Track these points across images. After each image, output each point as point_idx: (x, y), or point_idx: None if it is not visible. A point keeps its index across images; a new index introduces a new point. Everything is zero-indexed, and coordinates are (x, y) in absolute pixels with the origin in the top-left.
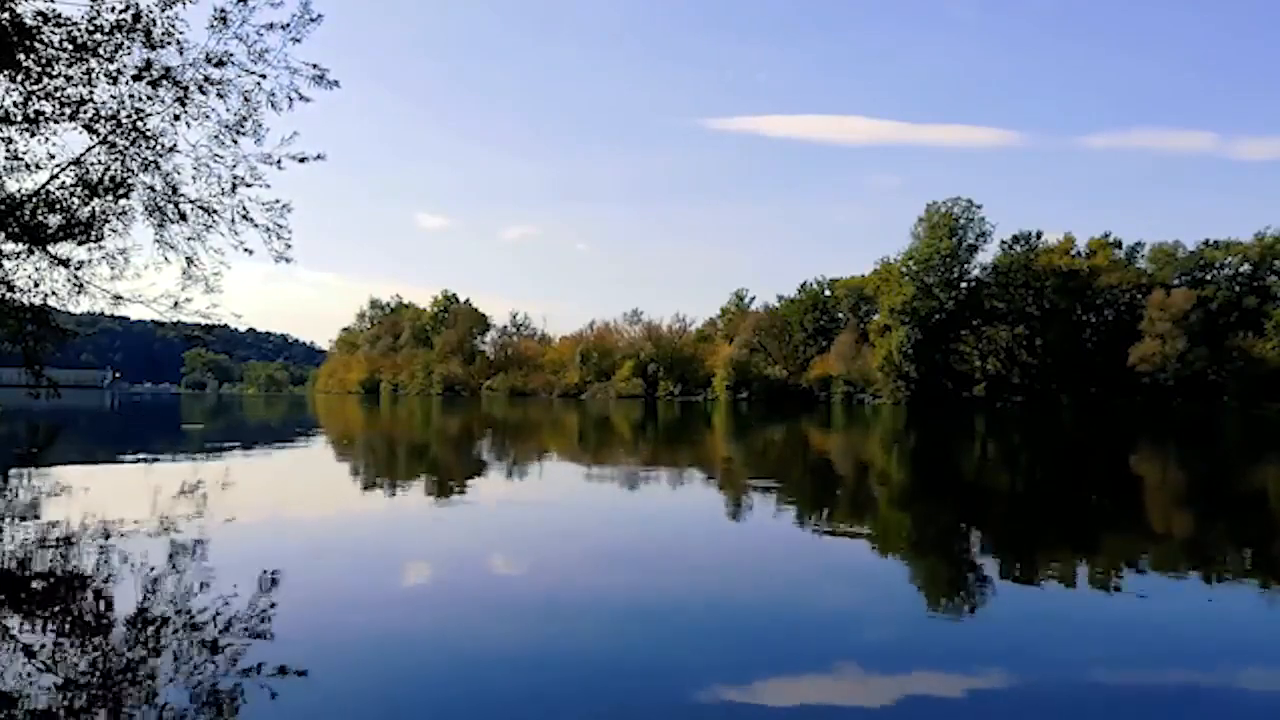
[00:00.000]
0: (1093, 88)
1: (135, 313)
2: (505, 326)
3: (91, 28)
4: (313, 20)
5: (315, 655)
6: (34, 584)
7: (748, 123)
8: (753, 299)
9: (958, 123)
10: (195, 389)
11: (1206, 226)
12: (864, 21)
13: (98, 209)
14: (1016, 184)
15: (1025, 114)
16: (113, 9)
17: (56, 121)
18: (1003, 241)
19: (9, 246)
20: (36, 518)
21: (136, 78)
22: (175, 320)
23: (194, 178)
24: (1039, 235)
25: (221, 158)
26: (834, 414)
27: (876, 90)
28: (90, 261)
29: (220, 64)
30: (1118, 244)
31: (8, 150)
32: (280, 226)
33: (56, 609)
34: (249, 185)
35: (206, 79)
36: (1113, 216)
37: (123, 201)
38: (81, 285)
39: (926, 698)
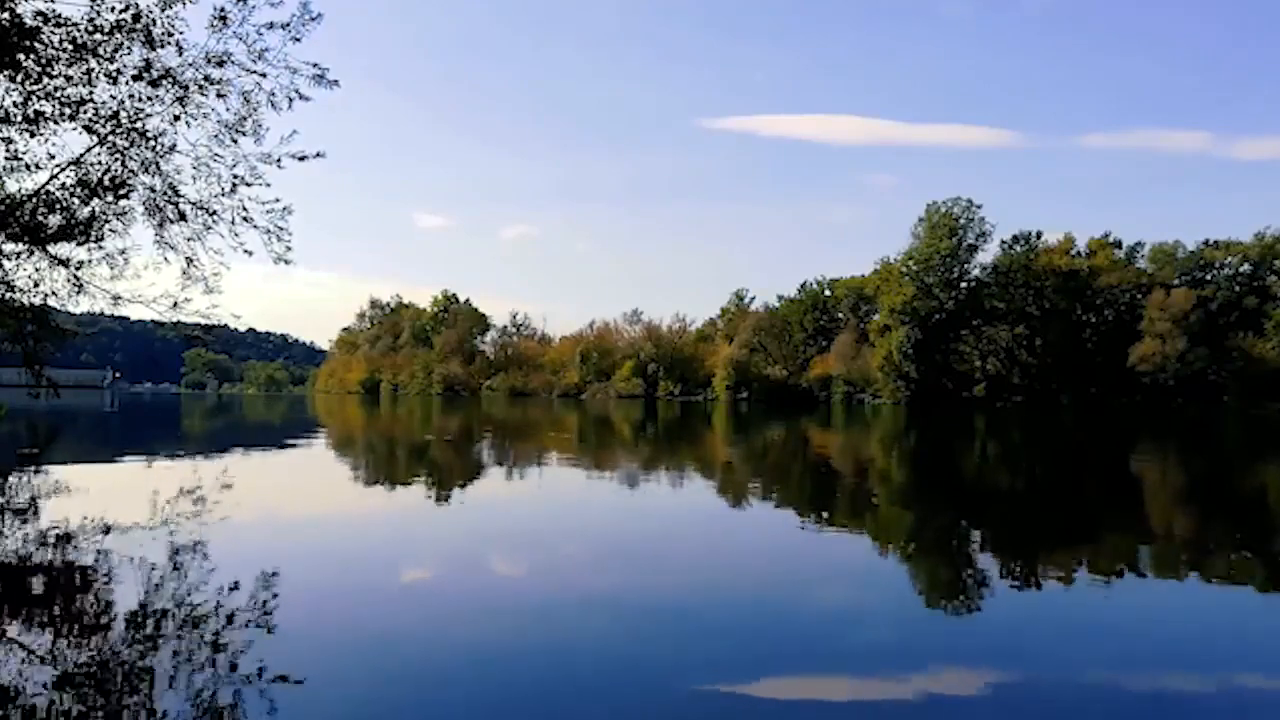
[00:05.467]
0: (1090, 87)
1: (135, 313)
2: (505, 326)
3: (91, 28)
4: (312, 19)
5: (315, 655)
6: (33, 583)
7: (744, 122)
8: (753, 299)
9: (955, 122)
10: (195, 389)
11: (1206, 226)
12: (860, 21)
13: (97, 209)
14: (1016, 184)
15: (1023, 113)
16: (113, 9)
17: (56, 121)
18: (1003, 241)
19: (9, 246)
20: (36, 517)
21: (136, 78)
22: (175, 320)
23: (194, 178)
24: (1039, 235)
25: (221, 157)
26: (834, 414)
27: (872, 90)
28: (90, 261)
29: (220, 64)
30: (1118, 244)
31: (8, 150)
32: (281, 229)
33: (55, 608)
34: (249, 185)
35: (206, 79)
36: (1112, 216)
37: (123, 202)
38: (81, 285)
39: (926, 697)
